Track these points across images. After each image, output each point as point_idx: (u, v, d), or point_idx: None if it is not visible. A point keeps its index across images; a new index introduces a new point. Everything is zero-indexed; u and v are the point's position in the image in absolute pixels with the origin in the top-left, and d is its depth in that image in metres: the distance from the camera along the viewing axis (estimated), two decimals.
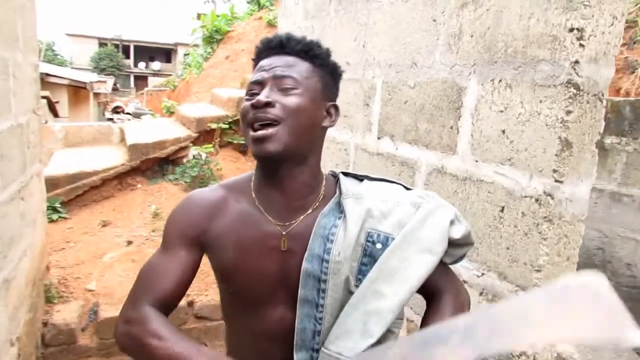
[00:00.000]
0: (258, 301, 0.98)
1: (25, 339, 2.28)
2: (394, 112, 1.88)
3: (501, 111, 1.35)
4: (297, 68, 0.94)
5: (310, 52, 0.97)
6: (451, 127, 1.55)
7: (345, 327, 0.90)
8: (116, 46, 39.65)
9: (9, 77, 2.11)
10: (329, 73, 1.00)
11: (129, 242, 3.90)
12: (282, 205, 0.97)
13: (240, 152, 5.67)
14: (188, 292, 3.01)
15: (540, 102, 1.22)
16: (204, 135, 5.40)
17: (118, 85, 28.96)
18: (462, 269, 1.48)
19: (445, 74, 1.58)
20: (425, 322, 0.96)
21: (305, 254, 0.93)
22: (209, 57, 9.06)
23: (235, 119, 5.53)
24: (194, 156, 5.10)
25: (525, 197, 1.27)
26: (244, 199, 1.01)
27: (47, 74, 11.75)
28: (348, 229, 0.92)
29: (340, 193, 0.99)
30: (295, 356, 0.94)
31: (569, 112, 1.15)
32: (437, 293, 0.97)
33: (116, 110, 19.60)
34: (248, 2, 10.38)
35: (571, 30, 1.14)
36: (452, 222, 0.96)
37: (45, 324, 2.79)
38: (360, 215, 0.94)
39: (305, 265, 0.92)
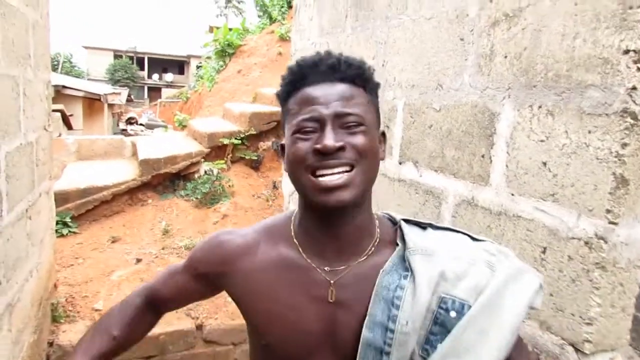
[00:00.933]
0: (295, 357, 0.87)
1: None
2: (417, 136, 1.76)
3: (542, 141, 1.22)
4: (356, 100, 0.82)
5: (363, 75, 0.85)
6: (483, 156, 1.42)
7: None
8: (131, 58, 40.24)
9: (19, 96, 2.03)
10: (376, 95, 0.89)
11: (138, 260, 3.80)
12: (333, 251, 0.86)
13: (252, 168, 5.57)
14: (197, 314, 2.90)
15: (589, 132, 1.09)
16: (216, 150, 5.31)
17: (132, 97, 29.31)
18: None
19: (475, 98, 1.46)
20: None
21: (366, 320, 0.80)
22: (221, 70, 9.04)
23: (247, 134, 5.45)
24: (205, 172, 5.01)
25: (573, 238, 1.13)
26: (282, 243, 0.91)
27: (64, 86, 11.88)
28: (418, 293, 0.79)
29: (405, 246, 0.85)
30: None
31: (624, 145, 1.02)
32: None
33: (130, 121, 19.80)
34: (259, 17, 10.38)
35: (626, 52, 1.01)
36: (536, 291, 0.82)
37: (50, 344, 2.70)
38: (432, 277, 0.80)
39: (365, 333, 0.79)
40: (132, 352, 2.87)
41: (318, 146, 0.77)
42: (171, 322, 3.01)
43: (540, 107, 1.22)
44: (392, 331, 0.78)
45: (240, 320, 3.15)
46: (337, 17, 2.45)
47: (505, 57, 1.34)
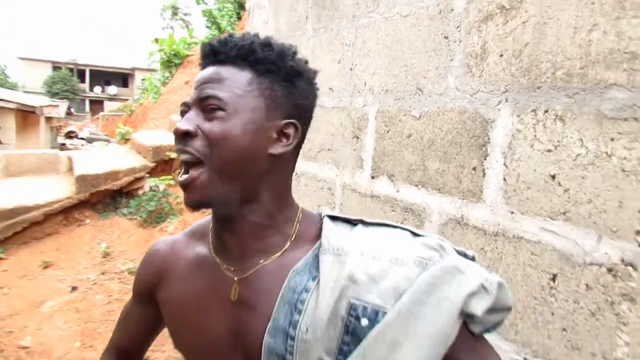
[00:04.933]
0: None
1: None
2: (392, 147, 1.57)
3: (549, 150, 1.05)
4: (229, 82, 0.73)
5: (250, 56, 0.74)
6: (474, 169, 1.25)
7: None
8: (71, 70, 38.94)
9: None
10: (282, 81, 0.76)
11: (74, 288, 3.42)
12: (236, 248, 0.79)
13: None
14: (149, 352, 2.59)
15: (612, 139, 0.93)
16: (162, 165, 4.97)
17: (72, 110, 28.10)
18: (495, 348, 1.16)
19: (463, 103, 1.29)
20: None
21: (268, 325, 0.72)
22: (167, 82, 8.63)
23: None
24: (150, 188, 4.65)
25: (592, 264, 0.96)
26: (201, 243, 0.86)
27: None
28: (320, 297, 0.69)
29: (321, 245, 0.75)
30: None
31: None
32: None
33: (70, 135, 18.99)
34: (207, 27, 10.05)
35: None
36: (472, 294, 0.66)
37: None
38: (337, 280, 0.70)
39: (267, 339, 0.71)
40: None
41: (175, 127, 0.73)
42: None
43: (546, 111, 1.06)
44: (293, 338, 0.70)
45: None
46: (296, 19, 2.25)
47: (501, 55, 1.17)
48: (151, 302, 0.92)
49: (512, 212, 1.14)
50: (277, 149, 0.75)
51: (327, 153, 1.95)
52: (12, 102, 12.14)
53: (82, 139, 17.60)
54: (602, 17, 0.93)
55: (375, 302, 0.67)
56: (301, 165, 2.10)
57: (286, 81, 0.76)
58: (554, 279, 1.04)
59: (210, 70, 0.75)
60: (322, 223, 0.79)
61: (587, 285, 0.97)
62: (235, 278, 0.77)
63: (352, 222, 0.80)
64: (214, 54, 0.76)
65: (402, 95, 1.52)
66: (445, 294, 0.66)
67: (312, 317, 0.70)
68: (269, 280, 0.75)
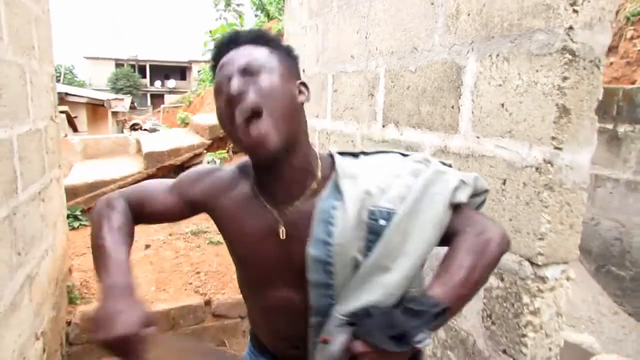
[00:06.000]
0: (262, 283, 1.02)
1: (49, 335, 2.34)
2: (397, 98, 1.90)
3: (499, 85, 1.36)
4: (258, 53, 0.93)
5: (263, 38, 0.97)
6: (452, 107, 1.57)
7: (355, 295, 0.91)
8: (132, 66, 40.33)
9: (27, 83, 2.20)
10: (286, 55, 0.99)
11: (147, 246, 3.97)
12: (280, 192, 0.97)
13: None
14: (205, 291, 3.05)
15: (537, 71, 1.23)
16: (217, 142, 5.49)
17: (135, 104, 29.41)
18: None
19: (445, 55, 1.60)
20: (439, 267, 0.92)
21: (310, 240, 0.92)
22: None
23: None
24: (208, 162, 5.18)
25: (526, 167, 1.28)
26: (245, 182, 1.04)
27: (67, 94, 12.09)
28: (346, 210, 0.91)
29: (337, 174, 0.97)
30: (311, 328, 0.96)
31: (565, 79, 1.16)
32: (455, 235, 0.93)
33: (134, 127, 19.91)
34: (256, 15, 10.51)
35: None
36: (456, 188, 0.94)
37: (69, 323, 2.86)
38: (357, 195, 0.92)
39: (310, 251, 0.92)
40: None
41: (227, 96, 0.89)
42: (180, 299, 3.17)
43: (497, 55, 1.37)
44: (331, 244, 0.90)
45: None
46: None
47: (469, 14, 1.48)
48: (191, 207, 1.09)
49: (477, 137, 1.46)
50: (302, 98, 0.96)
51: (350, 111, 2.30)
52: (83, 97, 13.21)
53: (145, 130, 18.58)
54: None
55: (388, 206, 0.91)
56: (331, 124, 2.46)
57: (288, 55, 0.99)
58: (504, 182, 1.36)
59: (236, 51, 0.94)
60: (333, 159, 1.01)
61: (524, 183, 1.29)
62: (282, 221, 0.96)
63: (354, 155, 1.04)
64: (235, 39, 0.95)
65: (403, 54, 1.85)
66: (437, 190, 0.92)
67: (342, 226, 0.90)
68: (306, 216, 0.94)
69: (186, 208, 1.09)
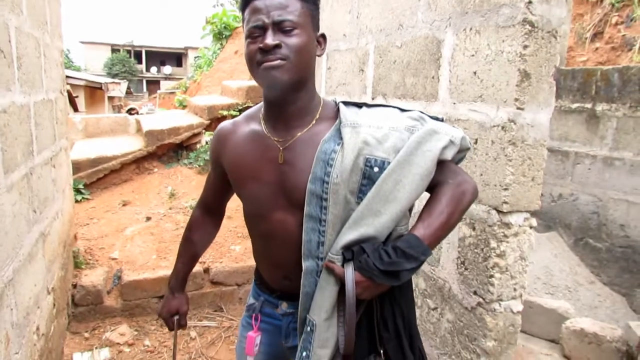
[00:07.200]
0: (262, 208, 1.16)
1: (59, 292, 2.52)
2: (385, 72, 2.07)
3: (472, 55, 1.54)
4: (291, 8, 1.04)
5: None
6: (433, 77, 1.74)
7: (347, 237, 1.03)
8: (128, 52, 39.96)
9: (41, 55, 2.35)
10: (313, 4, 1.10)
11: (148, 218, 4.14)
12: (283, 125, 1.12)
13: None
14: (204, 259, 3.24)
15: (503, 41, 1.41)
16: (216, 122, 5.63)
17: (131, 89, 29.32)
18: None
19: (426, 31, 1.77)
20: (423, 210, 1.05)
21: (309, 177, 1.05)
22: (218, 53, 9.31)
23: (245, 106, 5.76)
24: (206, 142, 5.34)
25: (494, 126, 1.46)
26: (254, 122, 1.19)
27: (66, 76, 12.15)
28: (345, 155, 1.02)
29: (340, 121, 1.09)
30: (303, 264, 1.09)
31: (525, 47, 1.34)
32: (438, 184, 1.06)
33: (131, 112, 19.89)
34: None
35: None
36: (445, 147, 1.04)
37: (74, 286, 3.04)
38: (356, 144, 1.03)
39: (309, 186, 1.04)
40: (146, 292, 3.22)
41: (261, 45, 1.02)
42: None
43: (471, 28, 1.54)
44: (327, 183, 1.03)
45: (243, 264, 3.48)
46: None
47: None
48: (219, 167, 1.27)
49: (454, 103, 1.64)
50: (319, 51, 1.12)
51: (343, 87, 2.47)
52: (81, 79, 13.32)
53: (141, 114, 18.62)
54: None
55: (382, 156, 1.02)
56: None
57: (314, 4, 1.10)
58: (476, 142, 1.54)
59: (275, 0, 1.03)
60: (338, 107, 1.14)
61: (492, 141, 1.47)
62: (280, 147, 1.11)
63: (358, 105, 1.16)
64: None
65: (390, 31, 2.02)
66: (428, 147, 1.02)
67: (339, 169, 1.02)
68: (303, 146, 1.09)
69: (219, 173, 1.29)
